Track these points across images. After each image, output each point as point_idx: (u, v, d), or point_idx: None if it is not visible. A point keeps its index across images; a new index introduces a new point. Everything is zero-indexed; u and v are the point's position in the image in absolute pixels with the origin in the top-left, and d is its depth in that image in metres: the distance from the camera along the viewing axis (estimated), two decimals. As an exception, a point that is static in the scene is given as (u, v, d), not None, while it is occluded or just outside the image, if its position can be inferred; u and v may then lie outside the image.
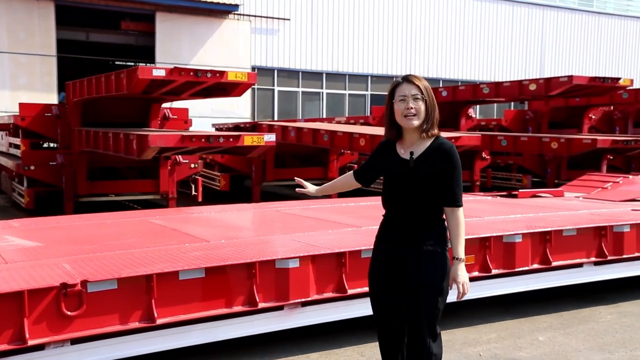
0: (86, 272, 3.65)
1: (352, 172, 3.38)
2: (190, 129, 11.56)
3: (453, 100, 13.55)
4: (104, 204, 10.73)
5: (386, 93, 3.03)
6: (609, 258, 5.51)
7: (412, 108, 2.88)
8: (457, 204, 2.94)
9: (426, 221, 2.94)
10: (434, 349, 2.98)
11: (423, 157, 2.92)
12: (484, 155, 12.73)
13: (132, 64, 23.47)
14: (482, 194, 9.00)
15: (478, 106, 23.14)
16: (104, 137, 9.27)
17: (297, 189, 3.58)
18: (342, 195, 11.56)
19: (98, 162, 10.60)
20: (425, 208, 2.93)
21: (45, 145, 12.20)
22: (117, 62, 24.37)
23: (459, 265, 2.96)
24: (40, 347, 3.43)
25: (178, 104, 12.34)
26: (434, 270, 2.92)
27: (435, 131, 2.95)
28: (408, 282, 2.94)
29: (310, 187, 3.51)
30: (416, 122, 2.90)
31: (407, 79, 2.93)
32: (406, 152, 2.96)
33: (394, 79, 3.04)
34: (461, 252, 2.96)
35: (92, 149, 9.75)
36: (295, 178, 3.66)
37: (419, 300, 2.93)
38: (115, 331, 3.62)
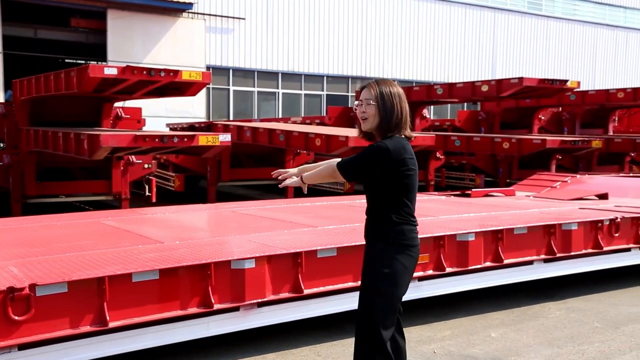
0: (35, 276, 3.55)
1: None
2: (144, 128, 11.37)
3: (407, 100, 13.66)
4: (54, 206, 10.45)
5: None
6: (558, 255, 5.66)
7: (365, 112, 3.06)
8: (338, 162, 3.07)
9: (375, 219, 3.04)
10: (368, 354, 2.97)
11: None
12: (438, 155, 12.92)
13: (83, 62, 22.96)
14: (436, 193, 9.14)
15: (432, 107, 23.49)
16: (54, 136, 9.04)
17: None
18: (297, 195, 11.57)
19: (47, 162, 10.32)
20: (374, 206, 3.05)
21: (-9, 145, 11.80)
22: (67, 60, 23.78)
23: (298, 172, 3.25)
24: (-14, 354, 3.32)
25: (131, 103, 12.12)
26: (373, 268, 2.99)
27: (394, 133, 3.02)
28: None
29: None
30: (367, 125, 3.06)
31: (367, 85, 3.11)
32: None
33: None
34: (307, 175, 3.19)
35: (41, 149, 9.50)
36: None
37: (360, 297, 3.05)
38: (65, 335, 3.53)
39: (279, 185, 3.32)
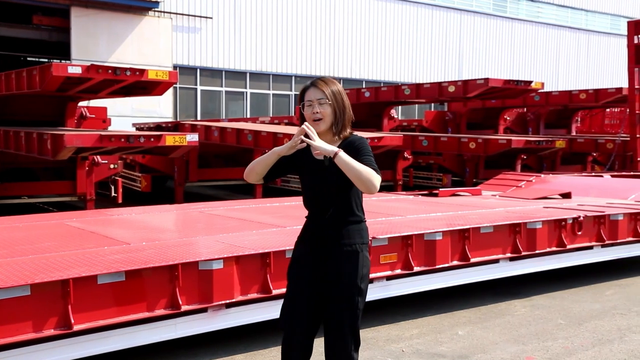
0: (-4, 279, 3.47)
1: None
2: (110, 128, 11.21)
3: (375, 101, 13.79)
4: (16, 207, 10.22)
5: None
6: (523, 254, 5.75)
7: (318, 112, 2.90)
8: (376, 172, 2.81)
9: (344, 220, 2.93)
10: (354, 355, 2.93)
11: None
12: (405, 155, 13.02)
13: (46, 60, 22.51)
14: (404, 193, 9.20)
15: (400, 107, 23.67)
16: (16, 136, 8.85)
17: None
18: (266, 195, 11.53)
19: (9, 162, 10.09)
20: (342, 206, 2.93)
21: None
22: (29, 59, 23.29)
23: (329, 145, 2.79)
24: (-55, 360, 3.24)
25: (96, 103, 11.93)
26: (353, 269, 2.91)
27: (347, 132, 2.96)
28: (329, 281, 2.92)
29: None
30: (323, 126, 2.91)
31: (314, 84, 2.95)
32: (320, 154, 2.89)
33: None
34: (344, 155, 2.75)
35: (2, 149, 9.30)
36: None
37: (340, 299, 2.90)
38: (28, 339, 3.45)
39: (310, 144, 2.77)
